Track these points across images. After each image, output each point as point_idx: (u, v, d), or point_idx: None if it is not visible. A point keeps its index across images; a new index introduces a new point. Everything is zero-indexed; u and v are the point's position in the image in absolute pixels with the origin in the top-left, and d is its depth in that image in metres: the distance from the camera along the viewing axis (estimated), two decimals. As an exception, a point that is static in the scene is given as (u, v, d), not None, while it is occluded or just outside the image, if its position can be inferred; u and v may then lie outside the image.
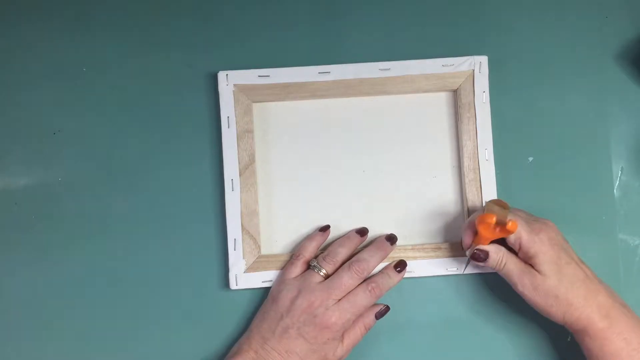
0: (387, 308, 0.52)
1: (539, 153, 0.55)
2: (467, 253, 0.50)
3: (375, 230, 0.54)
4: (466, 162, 0.54)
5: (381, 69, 0.54)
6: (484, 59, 0.54)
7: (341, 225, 0.54)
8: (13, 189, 0.55)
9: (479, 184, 0.53)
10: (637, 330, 0.45)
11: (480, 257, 0.48)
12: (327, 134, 0.55)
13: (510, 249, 0.48)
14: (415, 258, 0.53)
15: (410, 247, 0.53)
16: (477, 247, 0.48)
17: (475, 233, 0.48)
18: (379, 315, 0.51)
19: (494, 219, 0.45)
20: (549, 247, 0.46)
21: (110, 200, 0.55)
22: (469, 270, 0.53)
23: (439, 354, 0.54)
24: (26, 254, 0.54)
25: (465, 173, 0.53)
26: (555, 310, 0.46)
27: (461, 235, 0.51)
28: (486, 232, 0.46)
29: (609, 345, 0.45)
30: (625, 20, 0.56)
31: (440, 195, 0.54)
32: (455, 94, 0.54)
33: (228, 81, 0.54)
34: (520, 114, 0.55)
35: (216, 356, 0.54)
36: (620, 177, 0.55)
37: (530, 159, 0.55)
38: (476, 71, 0.54)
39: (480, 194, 0.53)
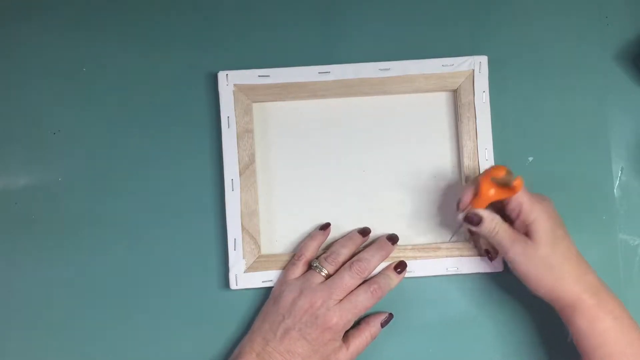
0: (391, 316, 0.52)
1: (539, 153, 0.55)
2: (460, 216, 0.48)
3: (376, 230, 0.54)
4: (466, 162, 0.54)
5: (381, 69, 0.54)
6: (484, 59, 0.54)
7: (341, 225, 0.54)
8: (13, 189, 0.55)
9: (479, 184, 0.53)
10: (625, 311, 0.45)
11: (473, 220, 0.47)
12: (327, 134, 0.55)
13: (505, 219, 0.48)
14: (415, 258, 0.53)
15: (410, 247, 0.53)
16: (472, 210, 0.47)
17: (476, 194, 0.47)
18: (384, 324, 0.52)
19: (504, 171, 0.45)
20: (547, 217, 0.46)
21: (110, 200, 0.55)
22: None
23: (438, 354, 0.54)
24: (26, 254, 0.54)
25: (465, 173, 0.53)
26: (545, 281, 0.45)
27: (460, 196, 0.49)
28: (488, 190, 0.46)
29: (600, 323, 0.44)
30: (625, 20, 0.56)
31: (440, 195, 0.54)
32: (455, 94, 0.54)
33: (228, 81, 0.54)
34: (520, 114, 0.55)
35: (216, 356, 0.54)
36: (620, 177, 0.55)
37: (530, 159, 0.55)
38: (476, 71, 0.54)
39: (480, 194, 0.53)
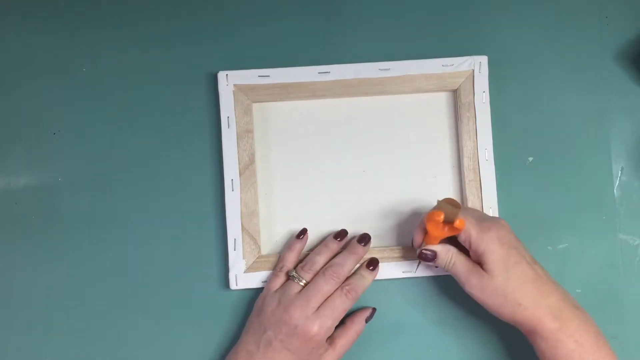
0: (374, 310, 0.53)
1: (539, 153, 0.55)
2: (417, 253, 0.50)
3: (375, 230, 0.54)
4: (466, 162, 0.54)
5: (381, 69, 0.54)
6: (484, 59, 0.54)
7: (340, 225, 0.54)
8: (13, 189, 0.55)
9: (479, 184, 0.53)
10: (590, 332, 0.45)
11: (428, 257, 0.48)
12: (327, 134, 0.55)
13: (461, 249, 0.48)
14: (415, 258, 0.53)
15: (410, 247, 0.53)
16: (426, 247, 0.48)
17: (426, 232, 0.48)
18: (369, 319, 0.52)
19: (442, 217, 0.46)
20: (498, 245, 0.46)
21: (110, 200, 0.55)
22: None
23: (439, 354, 0.54)
24: (26, 254, 0.54)
25: (465, 173, 0.53)
26: (504, 310, 0.45)
27: (412, 235, 0.51)
28: (435, 231, 0.47)
29: (561, 347, 0.44)
30: (625, 20, 0.56)
31: (440, 195, 0.54)
32: (455, 94, 0.54)
33: (228, 81, 0.54)
34: (520, 114, 0.55)
35: (216, 356, 0.54)
36: (620, 177, 0.55)
37: (530, 159, 0.55)
38: (476, 71, 0.54)
39: (480, 194, 0.53)
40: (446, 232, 0.47)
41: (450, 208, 0.46)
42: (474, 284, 0.46)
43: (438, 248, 0.48)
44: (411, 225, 0.54)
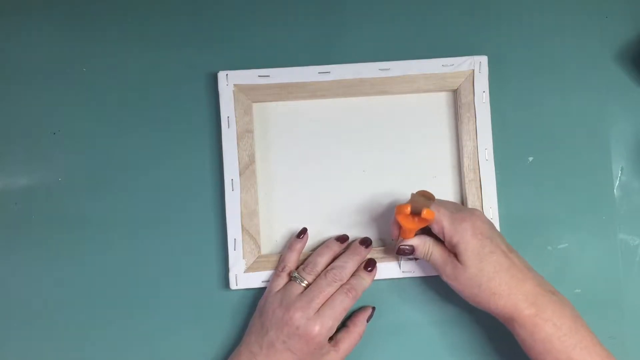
0: (374, 309, 0.53)
1: (539, 153, 0.55)
2: (395, 250, 0.50)
3: (375, 231, 0.54)
4: (466, 162, 0.54)
5: (381, 69, 0.54)
6: (484, 59, 0.54)
7: (341, 225, 0.54)
8: (13, 189, 0.55)
9: (479, 184, 0.53)
10: (566, 315, 0.45)
11: (406, 251, 0.49)
12: (327, 134, 0.55)
13: (438, 239, 0.49)
14: (416, 258, 0.53)
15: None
16: (403, 242, 0.49)
17: (400, 225, 0.48)
18: (369, 319, 0.52)
19: (409, 209, 0.46)
20: (471, 236, 0.46)
21: (110, 200, 0.55)
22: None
23: (438, 353, 0.54)
24: (26, 254, 0.54)
25: (465, 173, 0.53)
26: (480, 299, 0.46)
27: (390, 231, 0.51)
28: (406, 223, 0.47)
29: (539, 332, 0.44)
30: (625, 20, 0.56)
31: (440, 195, 0.54)
32: (455, 94, 0.54)
33: (228, 81, 0.54)
34: (520, 114, 0.55)
35: (216, 356, 0.54)
36: (620, 177, 0.55)
37: (530, 159, 0.55)
38: (476, 71, 0.54)
39: (480, 194, 0.53)
40: (417, 224, 0.47)
41: (422, 200, 0.47)
42: (449, 274, 0.47)
43: (415, 241, 0.49)
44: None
